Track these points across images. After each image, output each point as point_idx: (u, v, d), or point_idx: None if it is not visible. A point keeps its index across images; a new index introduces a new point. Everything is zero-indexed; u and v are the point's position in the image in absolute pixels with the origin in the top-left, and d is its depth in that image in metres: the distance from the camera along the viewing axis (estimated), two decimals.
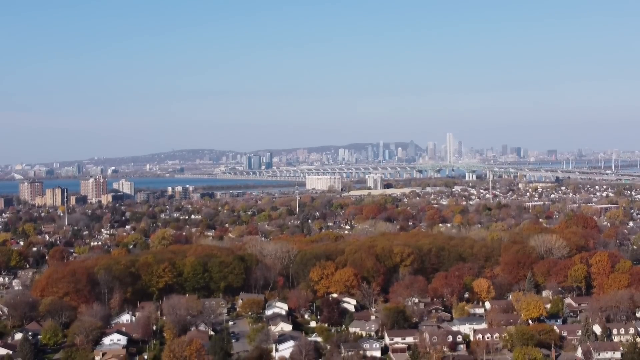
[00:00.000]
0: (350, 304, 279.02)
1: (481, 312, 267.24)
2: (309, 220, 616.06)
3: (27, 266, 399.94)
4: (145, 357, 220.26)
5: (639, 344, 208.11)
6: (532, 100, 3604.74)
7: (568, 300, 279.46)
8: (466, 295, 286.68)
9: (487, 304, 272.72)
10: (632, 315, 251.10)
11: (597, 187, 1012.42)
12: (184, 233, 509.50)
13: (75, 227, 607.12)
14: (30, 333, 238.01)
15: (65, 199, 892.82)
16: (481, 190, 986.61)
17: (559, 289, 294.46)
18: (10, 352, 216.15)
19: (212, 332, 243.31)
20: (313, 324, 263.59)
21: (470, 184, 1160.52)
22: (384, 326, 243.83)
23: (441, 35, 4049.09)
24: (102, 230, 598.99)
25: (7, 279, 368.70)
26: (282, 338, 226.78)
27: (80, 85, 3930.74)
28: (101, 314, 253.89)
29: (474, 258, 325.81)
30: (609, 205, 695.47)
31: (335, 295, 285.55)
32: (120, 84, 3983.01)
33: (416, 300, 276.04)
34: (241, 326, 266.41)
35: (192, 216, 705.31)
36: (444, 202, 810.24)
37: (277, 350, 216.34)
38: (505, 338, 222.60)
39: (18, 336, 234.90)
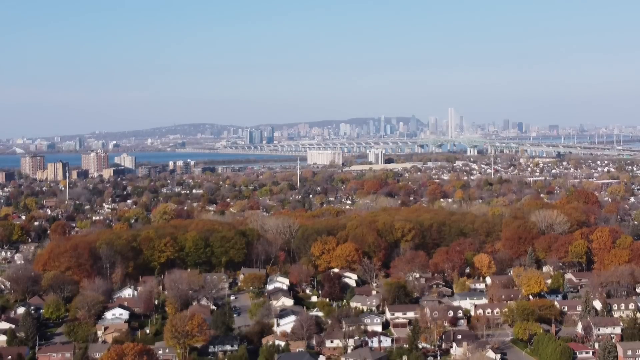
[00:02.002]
0: (351, 279, 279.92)
1: (482, 287, 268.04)
2: (310, 195, 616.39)
3: (29, 240, 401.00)
4: (147, 331, 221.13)
5: (639, 319, 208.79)
6: (534, 74, 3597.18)
7: (569, 276, 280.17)
8: (467, 271, 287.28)
9: (488, 279, 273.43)
10: (633, 290, 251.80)
11: (598, 162, 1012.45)
12: (185, 208, 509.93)
13: (77, 202, 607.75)
14: (32, 307, 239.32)
15: (67, 173, 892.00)
16: (482, 165, 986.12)
17: (560, 264, 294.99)
18: (13, 326, 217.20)
19: (213, 307, 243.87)
20: (314, 298, 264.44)
21: (472, 159, 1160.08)
22: (385, 301, 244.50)
23: (443, 10, 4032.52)
24: (104, 204, 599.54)
25: (9, 253, 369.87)
26: (283, 313, 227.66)
27: (82, 59, 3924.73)
28: (103, 288, 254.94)
29: (475, 233, 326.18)
30: (610, 180, 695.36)
31: (336, 270, 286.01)
32: (122, 58, 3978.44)
33: (417, 275, 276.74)
34: (243, 301, 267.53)
35: (194, 191, 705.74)
36: (445, 177, 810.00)
37: (278, 324, 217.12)
38: (505, 313, 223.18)
39: (20, 310, 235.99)
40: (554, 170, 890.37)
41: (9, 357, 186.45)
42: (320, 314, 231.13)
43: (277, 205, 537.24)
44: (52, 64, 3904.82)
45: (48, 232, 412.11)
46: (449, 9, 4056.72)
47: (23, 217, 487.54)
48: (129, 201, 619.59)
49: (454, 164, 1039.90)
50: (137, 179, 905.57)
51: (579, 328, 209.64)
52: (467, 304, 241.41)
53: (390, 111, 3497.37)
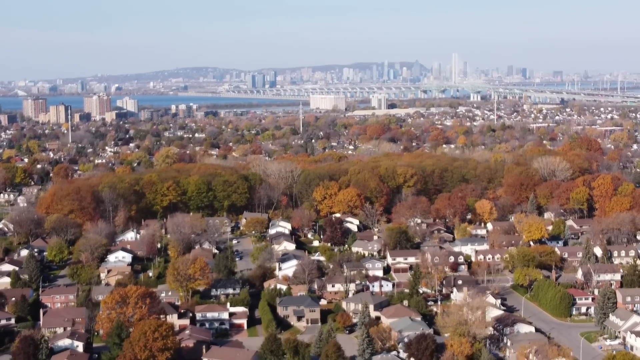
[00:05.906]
0: (353, 224, 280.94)
1: (483, 233, 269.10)
2: (313, 140, 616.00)
3: (32, 183, 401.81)
4: (150, 274, 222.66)
5: (639, 266, 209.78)
6: (539, 19, 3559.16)
7: (570, 223, 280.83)
8: (468, 217, 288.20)
9: (489, 225, 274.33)
10: (633, 237, 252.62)
11: (602, 109, 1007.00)
12: (187, 151, 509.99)
13: (80, 145, 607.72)
14: (35, 250, 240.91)
15: (69, 116, 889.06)
16: (485, 111, 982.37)
17: (561, 211, 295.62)
18: (17, 268, 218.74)
19: (216, 251, 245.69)
20: (316, 243, 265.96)
21: (475, 105, 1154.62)
22: (386, 246, 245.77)
23: None
24: (106, 147, 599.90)
25: (12, 195, 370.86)
26: (285, 257, 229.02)
27: (85, 1, 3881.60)
28: (106, 231, 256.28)
29: (477, 179, 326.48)
30: (614, 127, 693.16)
31: (338, 215, 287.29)
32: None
33: (419, 220, 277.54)
34: (245, 245, 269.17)
35: (196, 135, 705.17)
36: (448, 122, 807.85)
37: (280, 268, 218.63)
38: (506, 259, 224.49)
39: (24, 253, 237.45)
40: (557, 117, 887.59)
41: (13, 298, 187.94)
42: (322, 258, 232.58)
43: (280, 149, 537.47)
44: (54, 5, 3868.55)
45: (51, 175, 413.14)
46: None
47: (26, 160, 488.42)
48: (131, 144, 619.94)
49: (457, 110, 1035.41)
50: (140, 123, 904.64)
51: (579, 274, 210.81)
52: (468, 249, 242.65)
53: (394, 56, 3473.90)
